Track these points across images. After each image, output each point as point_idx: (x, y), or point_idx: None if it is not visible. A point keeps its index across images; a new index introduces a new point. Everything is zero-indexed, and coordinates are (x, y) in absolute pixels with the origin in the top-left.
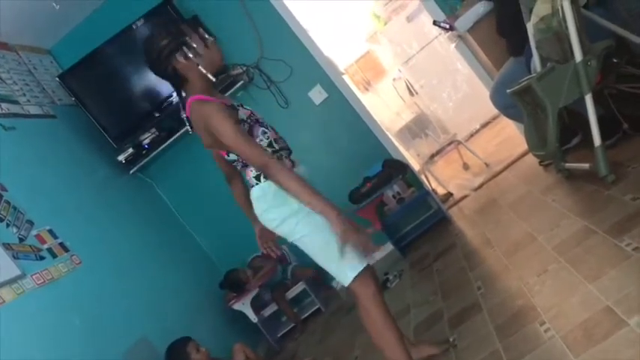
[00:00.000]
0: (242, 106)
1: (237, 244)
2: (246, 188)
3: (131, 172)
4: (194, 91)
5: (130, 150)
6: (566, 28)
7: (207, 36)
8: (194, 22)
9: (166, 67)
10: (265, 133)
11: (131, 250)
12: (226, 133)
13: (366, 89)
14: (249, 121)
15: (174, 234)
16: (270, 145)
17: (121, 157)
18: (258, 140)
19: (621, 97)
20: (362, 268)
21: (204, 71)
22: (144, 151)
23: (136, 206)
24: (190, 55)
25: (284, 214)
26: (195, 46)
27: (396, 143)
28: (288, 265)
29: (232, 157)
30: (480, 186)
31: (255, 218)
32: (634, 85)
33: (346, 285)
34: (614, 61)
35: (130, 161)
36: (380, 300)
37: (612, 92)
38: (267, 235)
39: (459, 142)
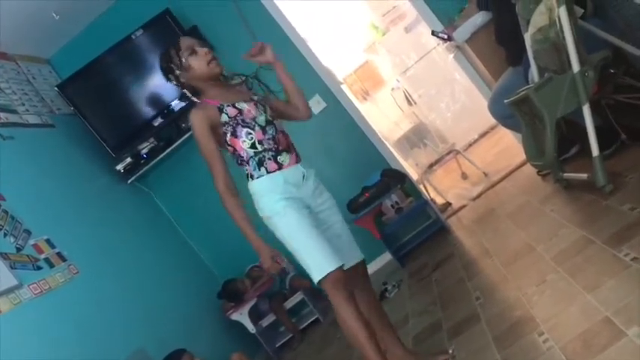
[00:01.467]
0: (233, 105)
1: (235, 254)
2: None
3: (129, 181)
4: (200, 97)
5: (129, 159)
6: (564, 38)
7: (185, 54)
8: (189, 34)
9: (171, 81)
10: (250, 134)
11: (129, 259)
12: (200, 149)
13: (365, 99)
14: (232, 122)
15: (173, 243)
16: (252, 146)
17: (120, 167)
18: (241, 141)
19: (619, 107)
20: (330, 270)
21: (186, 90)
22: (142, 161)
23: (134, 216)
24: (177, 76)
25: (267, 212)
26: (176, 69)
27: (395, 153)
28: (286, 275)
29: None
30: (479, 195)
31: None
32: (631, 95)
33: (316, 282)
34: (612, 71)
35: (129, 170)
36: (347, 298)
37: (610, 102)
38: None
39: (458, 152)
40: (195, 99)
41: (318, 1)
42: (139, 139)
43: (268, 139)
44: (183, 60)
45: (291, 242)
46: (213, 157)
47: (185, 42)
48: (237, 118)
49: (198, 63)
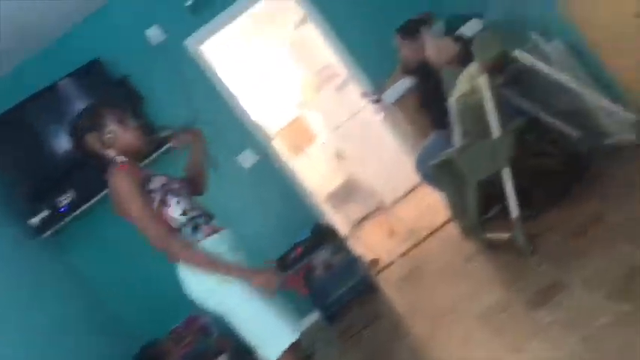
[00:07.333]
0: (158, 174)
1: (159, 312)
2: None
3: (44, 236)
4: (111, 164)
5: (45, 212)
6: (485, 105)
7: (129, 121)
8: (118, 85)
9: (79, 144)
10: (179, 202)
11: (41, 323)
12: (133, 210)
13: (296, 153)
14: (160, 191)
15: (90, 304)
16: (183, 213)
17: (34, 220)
18: (171, 210)
19: (536, 171)
20: (289, 344)
21: (113, 155)
22: (59, 214)
23: (47, 275)
24: (102, 139)
25: (210, 284)
26: (108, 130)
27: (326, 208)
28: (210, 336)
29: None
30: (406, 252)
31: None
32: (547, 160)
33: None
34: (528, 138)
35: (45, 224)
36: None
37: (528, 166)
38: None
39: (386, 208)
40: (121, 159)
41: (250, 56)
42: (57, 192)
43: (194, 207)
44: (126, 126)
45: (245, 310)
46: (147, 215)
47: (115, 113)
48: (165, 186)
49: (128, 137)
